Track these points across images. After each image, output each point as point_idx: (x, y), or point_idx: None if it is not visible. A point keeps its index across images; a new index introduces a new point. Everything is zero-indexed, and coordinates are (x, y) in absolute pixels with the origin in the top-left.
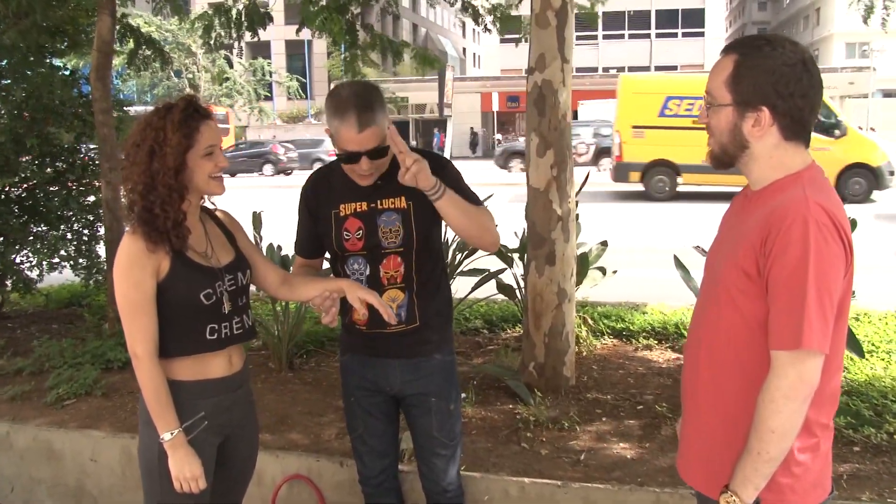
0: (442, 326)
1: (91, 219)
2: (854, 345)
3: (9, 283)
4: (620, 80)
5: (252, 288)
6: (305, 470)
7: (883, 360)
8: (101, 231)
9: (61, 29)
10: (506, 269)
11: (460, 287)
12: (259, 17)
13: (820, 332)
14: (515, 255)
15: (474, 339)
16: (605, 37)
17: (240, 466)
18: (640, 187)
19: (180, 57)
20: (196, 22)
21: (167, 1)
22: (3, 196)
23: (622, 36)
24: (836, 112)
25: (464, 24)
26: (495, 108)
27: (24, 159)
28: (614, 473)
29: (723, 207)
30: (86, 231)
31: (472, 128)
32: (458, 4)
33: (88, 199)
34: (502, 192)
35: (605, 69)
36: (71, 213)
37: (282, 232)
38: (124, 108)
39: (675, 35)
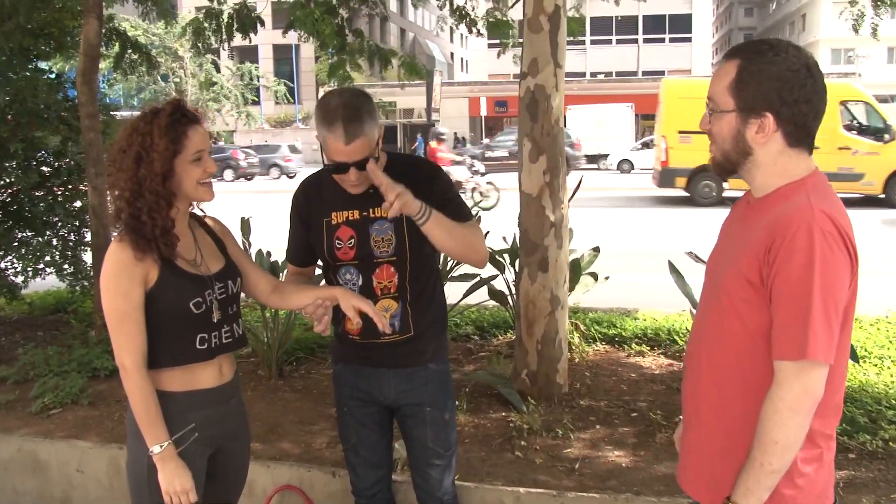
0: (436, 336)
1: (77, 224)
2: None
3: None
4: (663, 84)
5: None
6: (297, 480)
7: (875, 365)
8: (88, 237)
9: (46, 31)
10: (498, 275)
11: (451, 292)
12: (250, 21)
13: (825, 342)
14: (507, 261)
15: (465, 345)
16: (592, 42)
17: (232, 478)
18: (683, 193)
19: (167, 61)
20: (187, 28)
21: (154, 4)
22: None
23: (610, 41)
24: (885, 117)
25: (451, 28)
26: (483, 112)
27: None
28: (610, 482)
29: (717, 212)
30: (72, 237)
31: (455, 133)
32: (447, 9)
33: (74, 204)
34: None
35: (593, 74)
36: (57, 219)
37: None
38: (111, 113)
39: (663, 40)
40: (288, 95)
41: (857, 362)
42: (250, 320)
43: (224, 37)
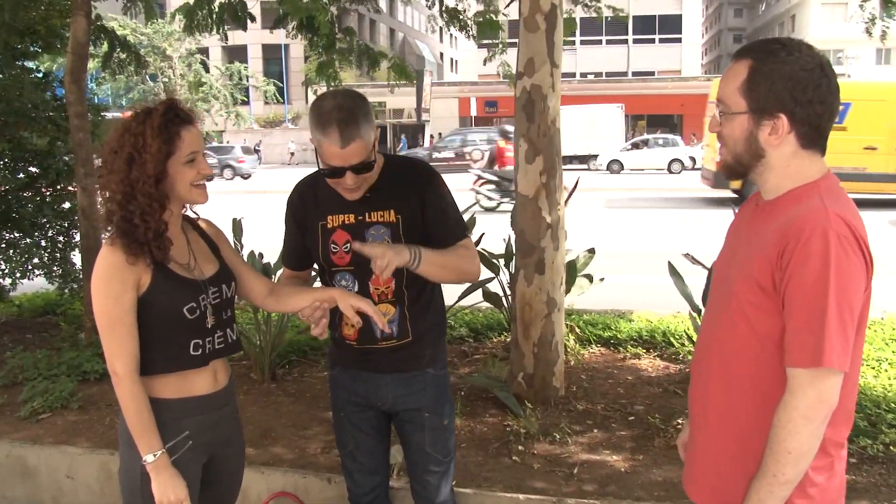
0: (435, 340)
1: (66, 225)
2: None
3: None
4: (714, 85)
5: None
6: (292, 487)
7: (873, 368)
8: (77, 238)
9: (33, 30)
10: (493, 278)
11: (446, 294)
12: (243, 9)
13: (841, 349)
14: (501, 263)
15: (460, 347)
16: (582, 42)
17: (226, 484)
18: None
19: (156, 61)
20: (177, 13)
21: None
22: None
23: (600, 42)
24: None
25: (441, 28)
26: (473, 112)
27: None
28: (609, 488)
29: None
30: (61, 238)
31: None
32: (436, 9)
33: (63, 205)
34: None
35: (583, 74)
36: (45, 220)
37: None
38: (100, 112)
39: (653, 41)
40: (277, 95)
41: None
42: (242, 322)
43: (214, 27)
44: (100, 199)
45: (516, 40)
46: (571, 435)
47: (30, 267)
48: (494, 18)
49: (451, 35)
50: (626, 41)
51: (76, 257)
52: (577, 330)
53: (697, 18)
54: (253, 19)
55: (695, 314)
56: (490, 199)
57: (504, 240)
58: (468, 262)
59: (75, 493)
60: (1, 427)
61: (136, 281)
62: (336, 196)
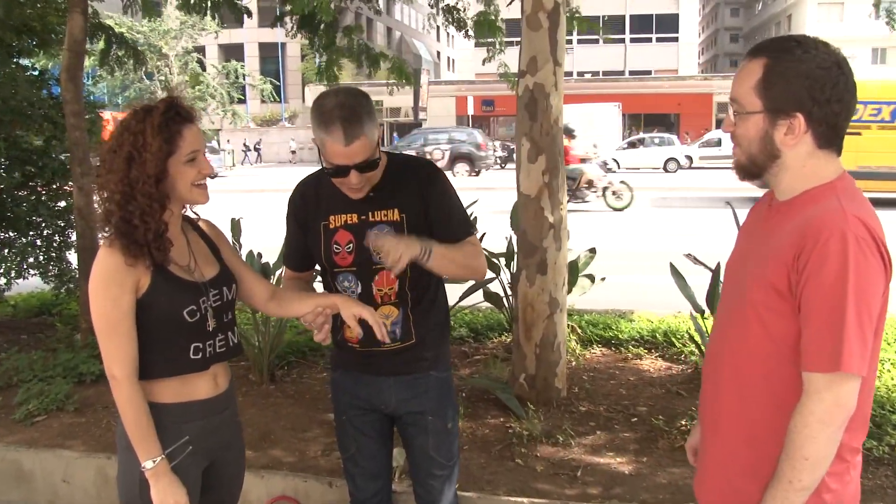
0: (438, 343)
1: (62, 225)
2: None
3: None
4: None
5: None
6: (292, 490)
7: (877, 369)
8: (73, 238)
9: (29, 27)
10: (494, 278)
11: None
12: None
13: (859, 353)
14: (502, 263)
15: (460, 348)
16: (579, 41)
17: (227, 489)
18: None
19: (152, 59)
20: None
21: None
22: None
23: (597, 41)
24: None
25: (438, 27)
26: (470, 111)
27: None
28: (614, 490)
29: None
30: (56, 237)
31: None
32: (435, 9)
33: (59, 204)
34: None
35: (580, 73)
36: (41, 219)
37: None
38: (97, 111)
39: (650, 40)
40: (274, 94)
41: None
42: (240, 322)
43: (207, 10)
44: (97, 199)
45: (514, 39)
46: (574, 437)
47: (25, 266)
48: (493, 18)
49: (448, 34)
50: (623, 40)
51: (72, 257)
52: (579, 330)
53: (694, 18)
54: (249, 14)
55: (697, 315)
56: (616, 195)
57: (506, 238)
58: (475, 258)
59: (71, 498)
60: None
61: (134, 283)
62: (338, 195)
